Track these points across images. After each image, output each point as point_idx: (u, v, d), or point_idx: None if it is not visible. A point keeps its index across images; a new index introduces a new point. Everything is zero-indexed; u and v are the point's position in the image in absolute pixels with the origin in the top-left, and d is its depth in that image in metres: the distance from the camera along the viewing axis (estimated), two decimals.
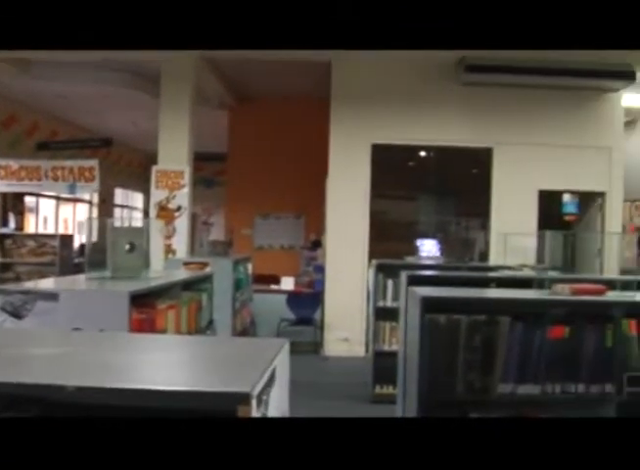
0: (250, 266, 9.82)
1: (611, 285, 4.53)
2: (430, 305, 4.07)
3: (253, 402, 1.60)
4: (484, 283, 5.95)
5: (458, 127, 11.10)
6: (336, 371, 10.01)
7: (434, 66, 10.88)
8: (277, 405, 2.02)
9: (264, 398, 1.78)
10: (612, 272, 10.59)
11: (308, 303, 11.12)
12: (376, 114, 11.01)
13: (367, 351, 9.60)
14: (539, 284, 4.50)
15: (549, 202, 11.45)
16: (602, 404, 4.27)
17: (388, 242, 11.82)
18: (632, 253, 15.05)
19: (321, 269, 11.38)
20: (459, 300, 4.29)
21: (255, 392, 1.63)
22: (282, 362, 2.13)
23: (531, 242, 9.76)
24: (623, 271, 11.57)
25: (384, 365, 7.65)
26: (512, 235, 9.15)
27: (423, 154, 12.41)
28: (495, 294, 4.82)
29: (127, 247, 5.00)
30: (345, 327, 10.70)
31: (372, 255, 10.47)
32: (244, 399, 1.58)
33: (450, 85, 11.03)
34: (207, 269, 7.16)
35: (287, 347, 2.23)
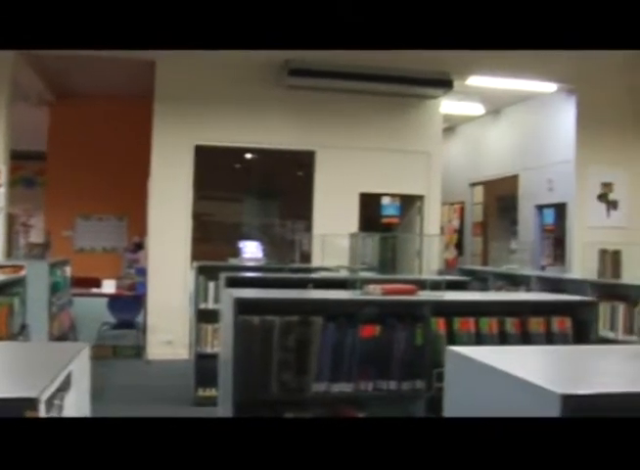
0: (68, 269, 9.56)
1: (421, 285, 4.68)
2: (244, 307, 4.08)
3: (42, 407, 1.56)
4: (303, 284, 6.03)
5: (282, 130, 11.18)
6: (159, 374, 9.87)
7: (258, 68, 10.90)
8: (75, 410, 1.98)
9: (57, 402, 1.74)
10: (431, 273, 10.93)
11: (130, 305, 10.93)
12: (200, 115, 10.94)
13: (191, 353, 9.53)
14: (354, 285, 4.58)
15: (371, 204, 11.72)
16: (413, 400, 4.40)
17: (213, 244, 11.80)
18: (452, 254, 15.64)
19: (143, 272, 11.21)
20: (272, 301, 4.33)
21: (44, 396, 1.59)
22: (80, 366, 2.08)
23: (353, 243, 9.96)
24: (442, 272, 11.98)
25: (206, 367, 7.61)
26: (332, 237, 9.30)
27: (248, 156, 12.44)
28: (308, 295, 4.89)
29: None
30: (169, 330, 10.57)
31: (196, 256, 10.40)
32: (31, 404, 1.53)
33: (274, 88, 11.08)
34: (22, 273, 6.91)
35: (86, 350, 2.18)
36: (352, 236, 6.53)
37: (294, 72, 10.59)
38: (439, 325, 4.34)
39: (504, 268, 10.29)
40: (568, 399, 1.66)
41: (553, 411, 1.66)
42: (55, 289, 8.38)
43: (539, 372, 2.12)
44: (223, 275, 6.10)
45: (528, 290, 8.51)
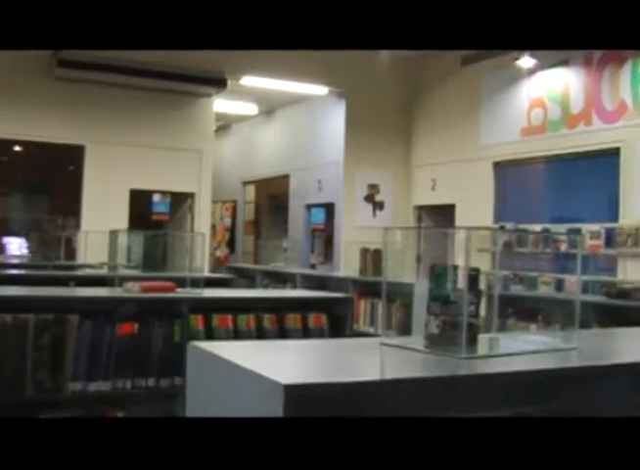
0: None
1: (181, 282, 4.74)
2: None
3: None
4: (65, 282, 5.93)
5: (50, 123, 10.82)
6: None
7: (26, 57, 10.46)
8: None
9: None
10: (200, 271, 10.96)
11: None
12: None
13: None
14: (112, 282, 4.57)
15: (142, 201, 11.59)
16: (172, 397, 4.44)
17: None
18: (223, 252, 15.77)
19: None
20: (26, 298, 4.25)
21: None
22: None
23: (120, 240, 9.82)
24: (214, 270, 12.07)
25: None
26: (97, 234, 9.12)
27: (16, 148, 12.01)
28: (63, 292, 4.81)
29: None
30: None
31: None
32: None
33: (43, 79, 10.70)
34: None
35: None
36: (111, 233, 6.47)
37: (63, 63, 10.26)
38: (198, 322, 4.40)
39: (271, 266, 10.51)
40: (290, 389, 1.77)
41: (278, 400, 1.76)
42: None
43: (272, 365, 2.21)
44: None
45: (294, 287, 8.73)
